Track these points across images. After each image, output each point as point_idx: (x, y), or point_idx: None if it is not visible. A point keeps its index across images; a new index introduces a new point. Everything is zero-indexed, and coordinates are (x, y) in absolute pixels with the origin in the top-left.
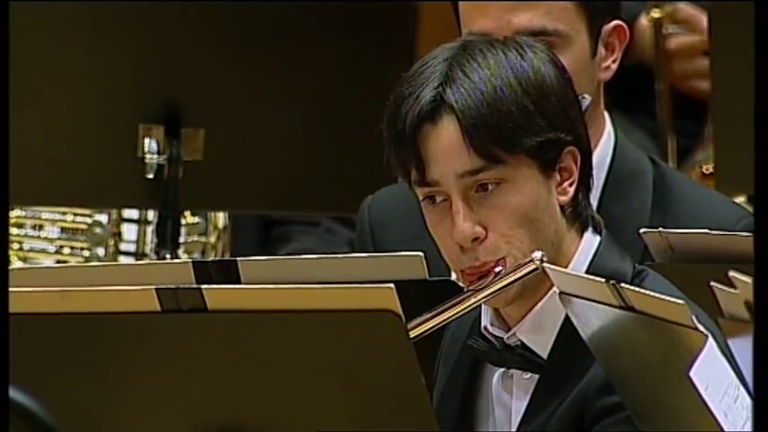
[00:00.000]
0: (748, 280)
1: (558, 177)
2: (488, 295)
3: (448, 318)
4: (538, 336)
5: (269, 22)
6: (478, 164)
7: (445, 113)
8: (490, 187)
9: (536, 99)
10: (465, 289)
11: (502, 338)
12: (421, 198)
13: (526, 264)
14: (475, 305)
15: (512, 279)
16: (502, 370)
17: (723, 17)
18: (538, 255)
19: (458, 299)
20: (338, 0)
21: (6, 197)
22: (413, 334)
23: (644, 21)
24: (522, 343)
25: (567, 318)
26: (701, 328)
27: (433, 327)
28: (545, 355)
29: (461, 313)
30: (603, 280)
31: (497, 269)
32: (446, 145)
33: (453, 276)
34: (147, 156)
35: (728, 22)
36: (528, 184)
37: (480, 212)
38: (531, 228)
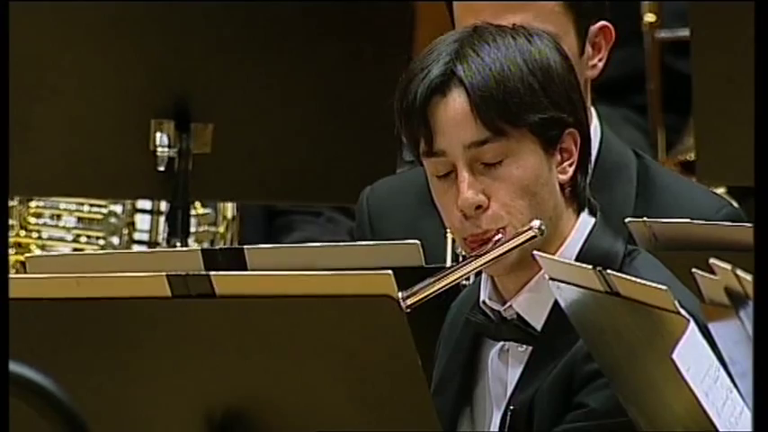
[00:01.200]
0: (728, 267)
1: (559, 157)
2: (489, 261)
3: (451, 281)
4: (532, 308)
5: (274, 22)
6: (484, 135)
7: (455, 86)
8: (494, 162)
9: (541, 79)
10: (467, 255)
11: (499, 311)
12: (429, 170)
13: (525, 232)
14: (476, 270)
15: (511, 246)
16: (499, 346)
17: (702, 14)
18: (536, 223)
19: (461, 264)
20: (339, 1)
21: (6, 197)
22: (419, 296)
23: None
24: (518, 315)
25: None
26: (683, 312)
27: (438, 290)
28: (539, 327)
29: (463, 277)
30: (590, 267)
31: (498, 237)
32: (454, 116)
33: (448, 263)
34: (159, 149)
35: (708, 18)
36: (530, 158)
37: (484, 182)
38: (531, 200)
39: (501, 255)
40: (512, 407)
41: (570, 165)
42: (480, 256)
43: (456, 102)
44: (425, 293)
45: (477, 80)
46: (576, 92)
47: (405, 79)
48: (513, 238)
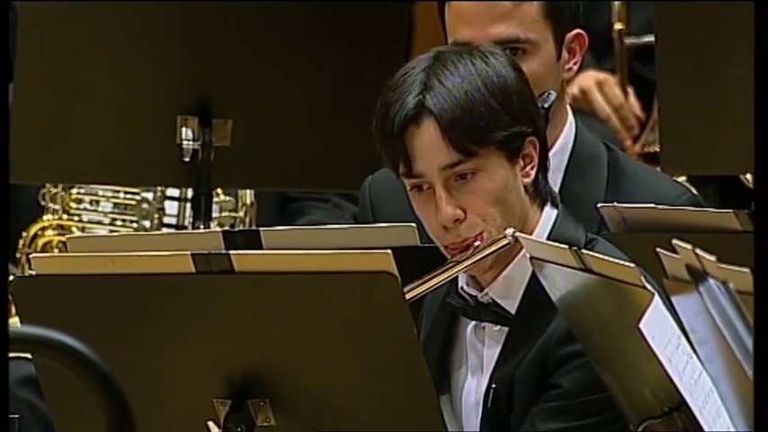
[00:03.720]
0: (689, 247)
1: (522, 163)
2: (469, 265)
3: (435, 284)
4: (507, 295)
5: (287, 28)
6: (456, 158)
7: (426, 117)
8: (467, 176)
9: (501, 99)
10: (449, 259)
11: (476, 296)
12: (408, 188)
13: (500, 239)
14: (457, 273)
15: (488, 252)
16: (475, 322)
17: (668, 14)
18: (510, 231)
19: (443, 268)
20: (345, 4)
21: (7, 197)
22: (413, 293)
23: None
24: (494, 300)
25: (531, 279)
26: (648, 287)
27: (423, 291)
28: (513, 311)
29: (446, 280)
30: (567, 246)
31: (476, 243)
32: (428, 143)
33: None
34: (184, 142)
35: (673, 21)
36: (498, 171)
37: (459, 197)
38: (502, 207)
39: (479, 260)
40: (493, 385)
41: (532, 168)
42: (461, 261)
43: (429, 131)
44: (414, 293)
45: (446, 109)
46: (532, 102)
47: (381, 109)
48: (489, 245)
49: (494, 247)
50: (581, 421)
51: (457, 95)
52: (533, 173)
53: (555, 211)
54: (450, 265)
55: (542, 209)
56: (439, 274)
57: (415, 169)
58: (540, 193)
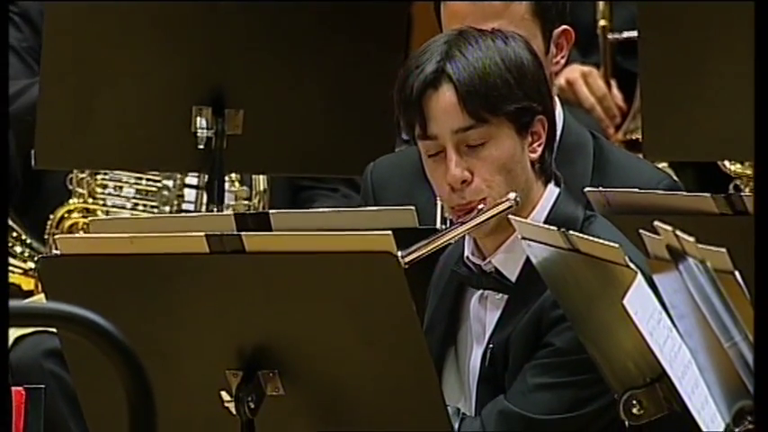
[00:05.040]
0: (669, 228)
1: (530, 139)
2: (472, 227)
3: (441, 243)
4: (508, 263)
5: (294, 24)
6: (469, 122)
7: (445, 82)
8: (477, 146)
9: (516, 75)
10: (454, 221)
11: (479, 265)
12: (423, 150)
13: (503, 202)
14: (461, 234)
15: (491, 214)
16: (479, 293)
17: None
18: (512, 195)
19: (449, 228)
20: (348, 3)
21: (6, 196)
22: (415, 255)
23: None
24: (496, 269)
25: None
26: (631, 266)
27: (430, 250)
28: (513, 279)
29: (451, 239)
30: (555, 228)
31: (480, 206)
32: (445, 107)
33: (438, 226)
34: (199, 131)
35: (654, 12)
36: (506, 141)
37: (468, 161)
38: (507, 176)
39: (482, 221)
40: (491, 345)
41: (539, 145)
42: (465, 222)
43: (446, 95)
44: (420, 253)
45: (464, 77)
46: (545, 85)
47: (402, 75)
48: (492, 208)
49: (496, 210)
50: (570, 377)
51: (475, 65)
52: (540, 150)
53: (557, 190)
54: (455, 225)
55: (546, 186)
56: (445, 234)
57: (429, 131)
58: (545, 170)
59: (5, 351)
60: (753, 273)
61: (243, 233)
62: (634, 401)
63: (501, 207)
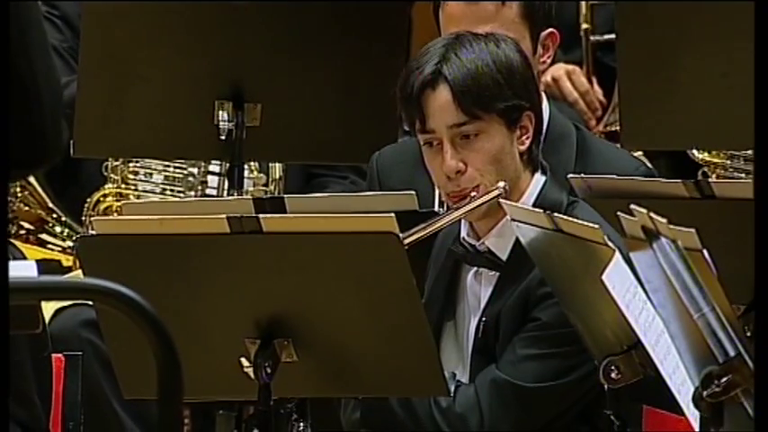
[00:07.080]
0: (644, 211)
1: (519, 132)
2: (466, 212)
3: (438, 226)
4: (499, 244)
5: (306, 25)
6: (463, 119)
7: (441, 82)
8: (471, 137)
9: (506, 76)
10: (450, 206)
11: (474, 245)
12: (422, 143)
13: (493, 190)
14: (456, 218)
15: (483, 201)
16: (474, 270)
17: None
18: (502, 184)
19: (445, 213)
20: (355, 5)
21: (6, 197)
22: (414, 237)
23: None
24: (489, 249)
25: None
26: (610, 244)
27: (428, 232)
28: (504, 258)
29: (447, 223)
30: (541, 210)
31: (473, 194)
32: (441, 105)
33: (436, 209)
34: (220, 123)
35: (631, 12)
36: (497, 135)
37: (463, 153)
38: (498, 166)
39: (475, 207)
40: (484, 319)
41: (527, 138)
42: (460, 207)
43: (442, 94)
44: (419, 234)
45: (458, 78)
46: (532, 83)
47: (404, 74)
48: (484, 195)
49: (487, 197)
50: (556, 349)
51: (469, 67)
52: (528, 142)
53: (544, 178)
54: (451, 211)
55: (533, 175)
56: (442, 218)
57: (427, 125)
58: (532, 161)
59: (6, 351)
60: (720, 251)
61: (260, 215)
62: (612, 367)
63: (492, 194)
